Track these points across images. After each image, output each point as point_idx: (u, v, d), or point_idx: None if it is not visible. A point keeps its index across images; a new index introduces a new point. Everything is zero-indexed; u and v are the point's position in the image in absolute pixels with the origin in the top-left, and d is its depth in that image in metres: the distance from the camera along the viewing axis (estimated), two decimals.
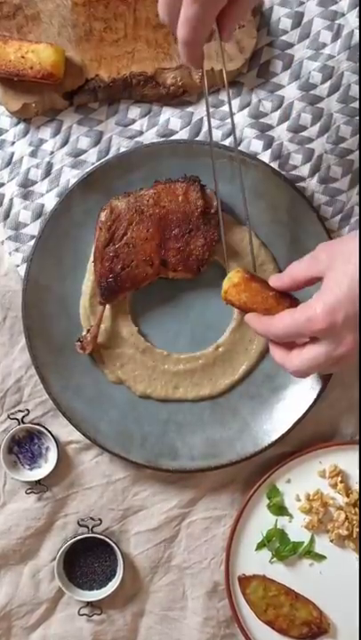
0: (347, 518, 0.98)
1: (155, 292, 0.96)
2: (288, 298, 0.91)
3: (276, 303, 0.89)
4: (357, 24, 0.95)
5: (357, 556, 0.99)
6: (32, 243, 0.97)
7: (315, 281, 0.83)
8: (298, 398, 0.97)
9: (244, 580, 0.98)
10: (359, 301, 0.76)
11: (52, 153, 0.98)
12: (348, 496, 0.98)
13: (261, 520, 0.99)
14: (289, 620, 0.97)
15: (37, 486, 0.99)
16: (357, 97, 0.96)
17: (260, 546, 0.99)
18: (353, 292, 0.77)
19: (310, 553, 0.99)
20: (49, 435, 0.98)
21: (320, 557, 0.99)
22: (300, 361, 0.81)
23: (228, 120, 0.97)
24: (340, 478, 0.99)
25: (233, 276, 0.90)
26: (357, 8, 0.95)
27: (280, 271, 0.95)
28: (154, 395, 0.97)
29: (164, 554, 1.01)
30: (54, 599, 1.01)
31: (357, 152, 0.96)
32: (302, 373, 0.82)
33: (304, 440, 0.99)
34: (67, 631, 1.01)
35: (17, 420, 0.99)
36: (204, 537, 1.01)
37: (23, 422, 0.99)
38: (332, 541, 0.99)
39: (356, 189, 0.97)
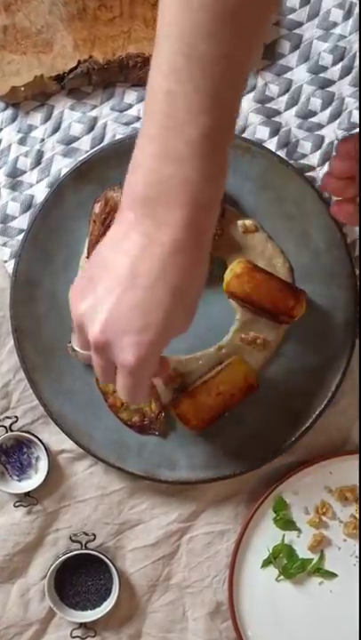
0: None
1: None
2: (293, 289, 0.91)
3: (282, 295, 0.90)
4: None
5: None
6: (21, 237, 0.96)
7: None
8: (306, 405, 0.96)
9: None
10: None
11: (42, 140, 0.97)
12: None
13: (267, 535, 0.98)
14: (125, 401, 0.94)
15: (26, 499, 0.98)
16: None
17: (266, 563, 0.98)
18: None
19: (320, 570, 0.98)
20: (39, 443, 0.97)
21: (330, 575, 0.98)
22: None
23: None
24: (351, 495, 0.98)
25: (235, 267, 0.91)
26: None
27: (290, 266, 0.95)
28: None
29: (162, 571, 1.00)
30: (45, 620, 1.00)
31: None
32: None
33: (313, 449, 0.98)
34: None
35: (4, 427, 0.98)
36: (205, 553, 1.00)
37: (11, 430, 0.98)
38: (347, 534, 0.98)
39: None
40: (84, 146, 0.97)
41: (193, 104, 0.64)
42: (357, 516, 0.98)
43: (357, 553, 0.98)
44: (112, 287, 0.68)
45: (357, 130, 0.96)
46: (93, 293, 0.70)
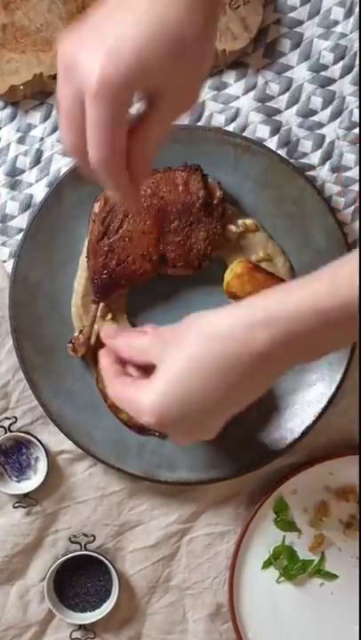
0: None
1: (153, 290, 0.95)
2: None
3: None
4: None
5: None
6: (20, 236, 0.96)
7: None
8: (307, 406, 0.95)
9: None
10: None
11: (41, 139, 0.97)
12: None
13: (268, 536, 0.97)
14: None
15: (26, 500, 0.98)
16: None
17: (267, 564, 0.97)
18: (182, 389, 0.70)
19: (321, 572, 0.98)
20: (38, 444, 0.97)
21: (331, 576, 0.98)
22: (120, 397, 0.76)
23: (232, 104, 0.96)
24: (352, 496, 0.98)
25: (236, 267, 0.91)
26: None
27: (290, 265, 0.94)
28: None
29: (162, 573, 1.00)
30: (44, 622, 1.00)
31: None
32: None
33: (314, 450, 0.98)
34: None
35: (3, 428, 0.97)
36: (205, 555, 0.99)
37: (10, 430, 0.97)
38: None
39: None
40: None
41: None
42: (358, 516, 0.98)
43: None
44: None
45: (358, 129, 0.96)
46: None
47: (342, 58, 0.95)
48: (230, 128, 0.96)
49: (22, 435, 0.97)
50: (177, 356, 0.71)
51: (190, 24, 0.63)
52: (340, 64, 0.95)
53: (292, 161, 0.95)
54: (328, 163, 0.96)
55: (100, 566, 0.98)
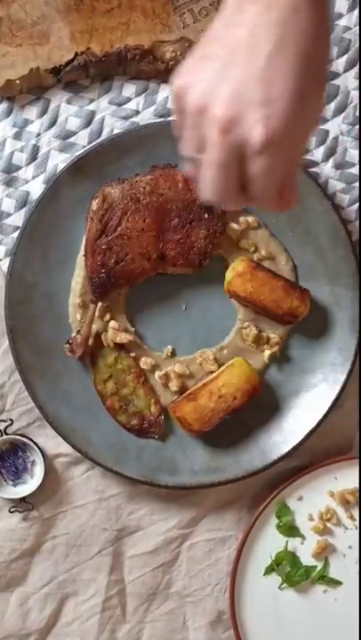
0: None
1: (152, 289, 0.94)
2: (298, 288, 0.91)
3: (285, 294, 0.90)
4: None
5: None
6: (16, 234, 0.95)
7: None
8: (310, 407, 0.95)
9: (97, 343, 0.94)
10: None
11: (38, 135, 0.96)
12: None
13: (270, 542, 0.97)
14: (123, 403, 0.94)
15: (22, 504, 0.97)
16: None
17: (269, 570, 0.97)
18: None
19: (324, 578, 0.97)
20: (35, 447, 0.96)
21: (335, 583, 0.97)
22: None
23: None
24: (353, 498, 0.97)
25: (237, 265, 0.90)
26: None
27: (293, 264, 0.94)
28: None
29: (162, 579, 0.99)
30: (44, 630, 0.99)
31: None
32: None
33: (317, 453, 0.98)
34: None
35: None
36: (206, 561, 0.99)
37: (6, 433, 0.97)
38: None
39: None
40: (82, 141, 0.96)
41: None
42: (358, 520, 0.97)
43: None
44: (231, 61, 0.62)
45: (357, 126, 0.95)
46: (210, 71, 0.63)
47: (346, 51, 0.94)
48: None
49: (18, 438, 0.96)
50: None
51: (326, 43, 0.65)
52: (344, 58, 0.95)
53: None
54: (332, 159, 0.96)
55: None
